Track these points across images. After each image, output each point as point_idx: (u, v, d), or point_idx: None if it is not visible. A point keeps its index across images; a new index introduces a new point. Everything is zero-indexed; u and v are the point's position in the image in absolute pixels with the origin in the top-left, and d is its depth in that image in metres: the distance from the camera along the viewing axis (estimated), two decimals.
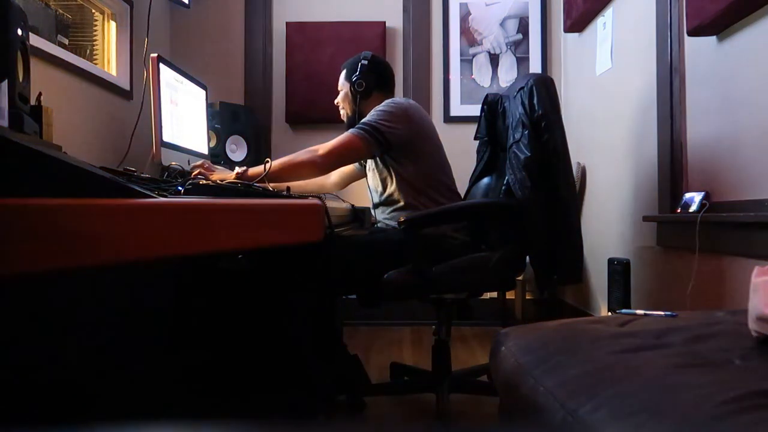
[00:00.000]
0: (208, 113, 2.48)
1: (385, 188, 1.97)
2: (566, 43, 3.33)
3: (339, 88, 2.11)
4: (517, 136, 1.77)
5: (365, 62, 2.02)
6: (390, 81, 2.10)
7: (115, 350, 0.93)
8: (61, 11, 2.29)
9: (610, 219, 2.69)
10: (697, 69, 1.98)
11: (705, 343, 0.89)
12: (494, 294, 3.17)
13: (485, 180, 2.11)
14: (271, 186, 1.37)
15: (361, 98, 2.03)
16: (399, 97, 3.22)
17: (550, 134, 1.73)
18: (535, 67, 3.38)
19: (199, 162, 1.95)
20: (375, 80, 2.03)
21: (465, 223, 1.95)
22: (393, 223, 1.92)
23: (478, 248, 1.96)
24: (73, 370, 0.86)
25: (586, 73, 3.00)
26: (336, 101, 2.12)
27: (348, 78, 2.06)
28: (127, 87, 2.65)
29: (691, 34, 1.89)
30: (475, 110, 2.31)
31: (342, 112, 2.12)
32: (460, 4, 3.39)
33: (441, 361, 1.91)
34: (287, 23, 3.35)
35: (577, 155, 2.70)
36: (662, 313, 1.13)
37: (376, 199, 2.03)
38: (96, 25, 2.59)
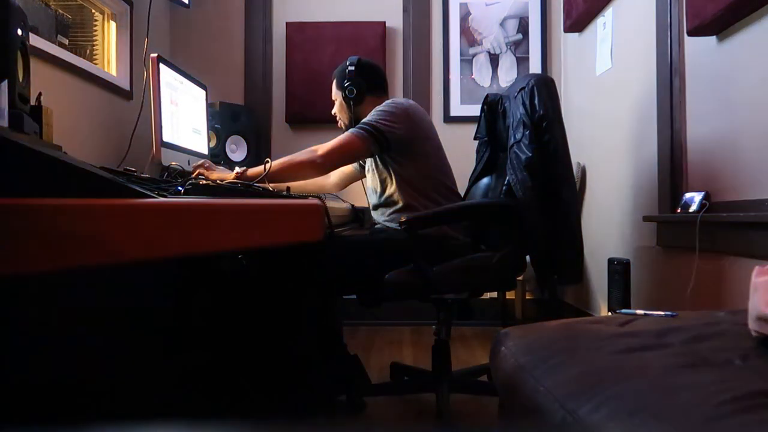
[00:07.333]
0: (208, 113, 2.48)
1: (384, 189, 1.96)
2: (566, 43, 3.33)
3: (333, 98, 2.11)
4: (518, 136, 1.77)
5: (352, 68, 2.02)
6: (381, 82, 2.09)
7: (115, 351, 0.93)
8: (61, 11, 2.29)
9: (610, 219, 2.69)
10: (697, 69, 1.98)
11: (705, 343, 0.89)
12: (494, 294, 3.17)
13: (485, 180, 2.11)
14: (271, 186, 1.37)
15: (355, 104, 2.02)
16: (398, 97, 3.23)
17: (550, 134, 1.74)
18: (535, 67, 3.38)
19: (200, 162, 1.95)
20: (365, 83, 2.02)
21: (465, 223, 1.95)
22: (393, 225, 1.92)
23: (478, 248, 1.96)
24: (73, 370, 0.86)
25: (586, 73, 3.00)
26: (333, 111, 2.13)
27: (339, 86, 2.06)
28: (127, 87, 2.65)
29: (691, 34, 1.89)
30: (475, 110, 2.31)
31: (339, 121, 2.12)
32: (460, 4, 3.39)
33: (441, 361, 1.91)
34: (287, 23, 3.35)
35: (577, 155, 2.70)
36: (662, 313, 1.13)
37: (375, 201, 2.02)
38: (96, 25, 2.59)
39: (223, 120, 2.88)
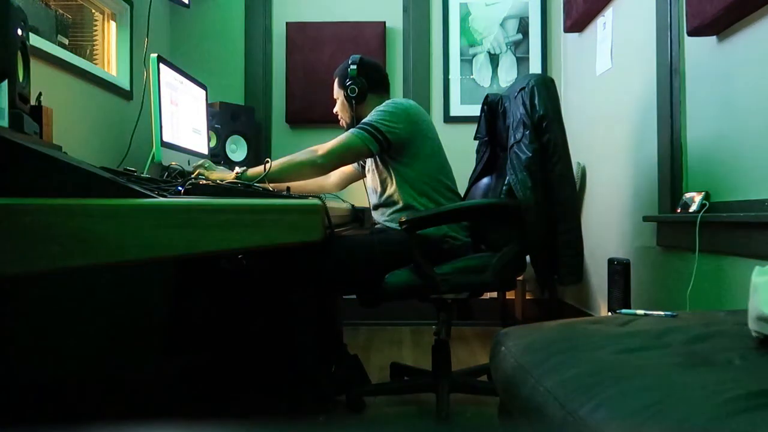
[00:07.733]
0: (208, 113, 2.48)
1: (384, 189, 1.97)
2: (566, 43, 3.33)
3: (335, 97, 2.11)
4: (518, 136, 1.77)
5: (354, 66, 2.02)
6: (383, 81, 2.10)
7: (115, 350, 0.93)
8: (61, 11, 2.29)
9: (610, 219, 2.69)
10: (697, 69, 1.98)
11: (705, 343, 0.89)
12: (494, 294, 3.17)
13: (485, 180, 2.11)
14: (271, 186, 1.37)
15: (357, 103, 2.03)
16: (398, 97, 3.23)
17: (550, 134, 1.74)
18: (535, 67, 3.38)
19: (200, 162, 1.95)
20: (367, 83, 2.03)
21: (466, 223, 1.95)
22: (393, 225, 1.92)
23: (478, 248, 1.96)
24: (73, 370, 0.86)
25: (586, 73, 3.00)
26: (335, 110, 2.13)
27: (341, 85, 2.06)
28: (127, 87, 2.65)
29: (691, 34, 1.89)
30: (475, 110, 2.31)
31: (341, 120, 2.12)
32: (460, 4, 3.39)
33: (441, 361, 1.91)
34: (287, 23, 3.35)
35: (577, 155, 2.70)
36: (662, 313, 1.13)
37: (375, 201, 2.02)
38: (96, 25, 2.59)
39: (223, 120, 2.89)
